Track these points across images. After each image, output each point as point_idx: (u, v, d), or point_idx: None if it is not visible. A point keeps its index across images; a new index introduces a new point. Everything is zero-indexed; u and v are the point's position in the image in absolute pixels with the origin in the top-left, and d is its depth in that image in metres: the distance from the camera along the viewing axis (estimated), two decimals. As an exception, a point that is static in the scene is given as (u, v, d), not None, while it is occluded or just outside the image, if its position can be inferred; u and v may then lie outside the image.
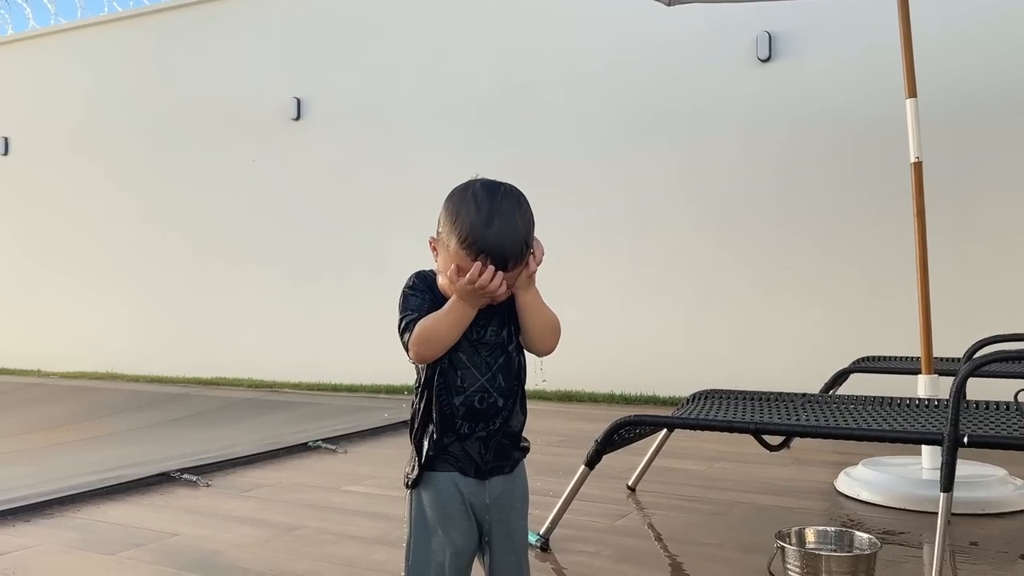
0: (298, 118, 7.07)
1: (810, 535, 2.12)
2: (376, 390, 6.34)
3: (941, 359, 3.50)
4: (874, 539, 2.05)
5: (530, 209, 1.48)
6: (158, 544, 2.65)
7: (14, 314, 8.51)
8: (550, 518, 2.58)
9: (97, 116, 8.10)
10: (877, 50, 4.97)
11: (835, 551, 2.06)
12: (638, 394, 5.61)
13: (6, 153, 8.68)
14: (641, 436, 2.94)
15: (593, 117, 5.98)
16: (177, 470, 3.54)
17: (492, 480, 1.53)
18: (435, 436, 1.51)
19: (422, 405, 1.53)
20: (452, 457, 1.51)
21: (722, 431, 2.64)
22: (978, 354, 3.37)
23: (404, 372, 1.60)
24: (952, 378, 2.39)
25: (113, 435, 4.97)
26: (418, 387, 1.55)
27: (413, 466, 1.54)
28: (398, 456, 3.72)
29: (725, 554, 2.50)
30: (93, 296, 8.01)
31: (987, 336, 3.65)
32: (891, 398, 2.94)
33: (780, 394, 3.07)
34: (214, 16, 7.56)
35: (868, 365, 3.97)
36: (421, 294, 1.52)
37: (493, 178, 1.50)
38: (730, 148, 5.56)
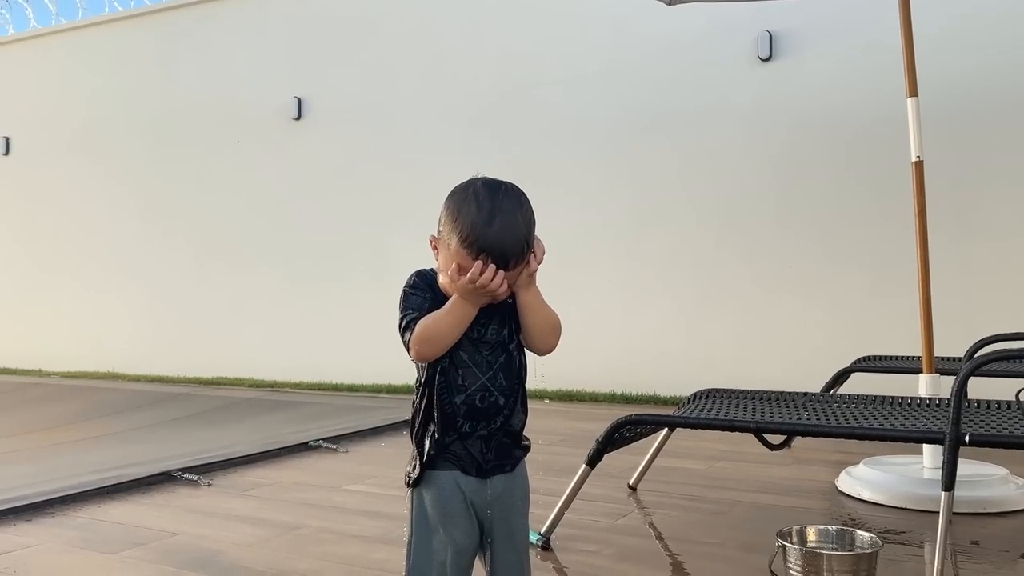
0: (299, 118, 7.07)
1: (811, 534, 2.12)
2: (377, 389, 6.34)
3: (942, 358, 3.50)
4: (875, 538, 2.05)
5: (531, 208, 1.48)
6: (159, 543, 2.65)
7: (15, 314, 8.51)
8: (551, 517, 2.58)
9: (98, 116, 8.10)
10: (878, 49, 4.97)
11: (836, 550, 2.06)
12: (639, 394, 5.61)
13: (7, 153, 8.68)
14: (642, 435, 2.94)
15: (593, 117, 5.98)
16: (178, 469, 3.55)
17: (493, 479, 1.53)
18: (436, 435, 1.51)
19: (423, 404, 1.53)
20: (453, 456, 1.51)
21: (723, 430, 2.64)
22: (979, 353, 3.37)
23: (405, 372, 1.60)
24: (953, 377, 2.39)
25: (114, 435, 4.97)
26: (419, 386, 1.55)
27: (414, 465, 1.54)
28: (399, 455, 3.73)
29: (726, 553, 2.50)
30: (94, 296, 8.01)
31: (988, 335, 3.65)
32: (892, 397, 2.94)
33: (781, 393, 3.07)
34: (215, 16, 7.56)
35: (869, 364, 3.96)
36: (422, 293, 1.51)
37: (494, 177, 1.50)
38: (731, 148, 5.56)
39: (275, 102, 7.14)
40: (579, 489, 2.64)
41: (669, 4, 4.17)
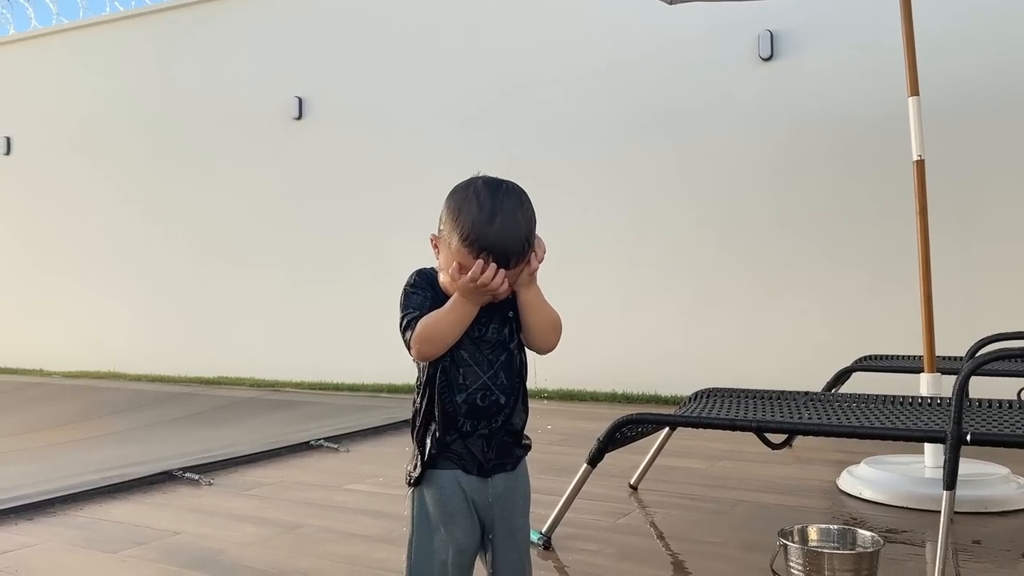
0: (300, 117, 7.07)
1: (813, 533, 2.12)
2: (378, 389, 6.34)
3: (943, 358, 3.50)
4: (877, 537, 2.04)
5: (532, 207, 1.48)
6: (160, 542, 2.65)
7: (16, 314, 8.52)
8: (552, 516, 2.58)
9: (99, 116, 8.11)
10: (879, 49, 4.97)
11: (838, 549, 2.06)
12: (639, 393, 5.61)
13: (8, 153, 8.69)
14: (643, 434, 2.94)
15: (594, 116, 5.98)
16: (179, 469, 3.55)
17: (495, 478, 1.52)
18: (437, 434, 1.51)
19: (424, 403, 1.53)
20: (455, 455, 1.51)
21: (724, 429, 2.64)
22: (980, 352, 3.36)
23: (406, 371, 1.60)
24: (954, 377, 2.38)
25: (115, 434, 4.97)
26: (420, 385, 1.55)
27: (415, 464, 1.53)
28: (400, 455, 3.73)
29: (727, 552, 2.50)
30: (95, 296, 8.01)
31: (989, 334, 3.65)
32: (893, 396, 2.94)
33: (782, 393, 3.07)
34: (216, 15, 7.56)
35: (870, 364, 3.96)
36: (422, 292, 1.51)
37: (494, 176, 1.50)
38: (731, 147, 5.56)
39: (276, 102, 7.15)
40: (580, 488, 2.64)
41: (670, 3, 4.17)
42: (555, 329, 1.55)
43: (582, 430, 4.43)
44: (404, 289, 1.53)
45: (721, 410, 2.81)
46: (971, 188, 4.90)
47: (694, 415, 2.78)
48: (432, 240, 1.53)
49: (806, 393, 3.10)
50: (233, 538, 2.69)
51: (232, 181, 7.39)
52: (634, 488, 3.23)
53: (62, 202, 8.30)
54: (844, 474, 3.23)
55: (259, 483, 3.46)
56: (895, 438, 2.41)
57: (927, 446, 3.11)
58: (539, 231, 1.49)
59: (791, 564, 2.00)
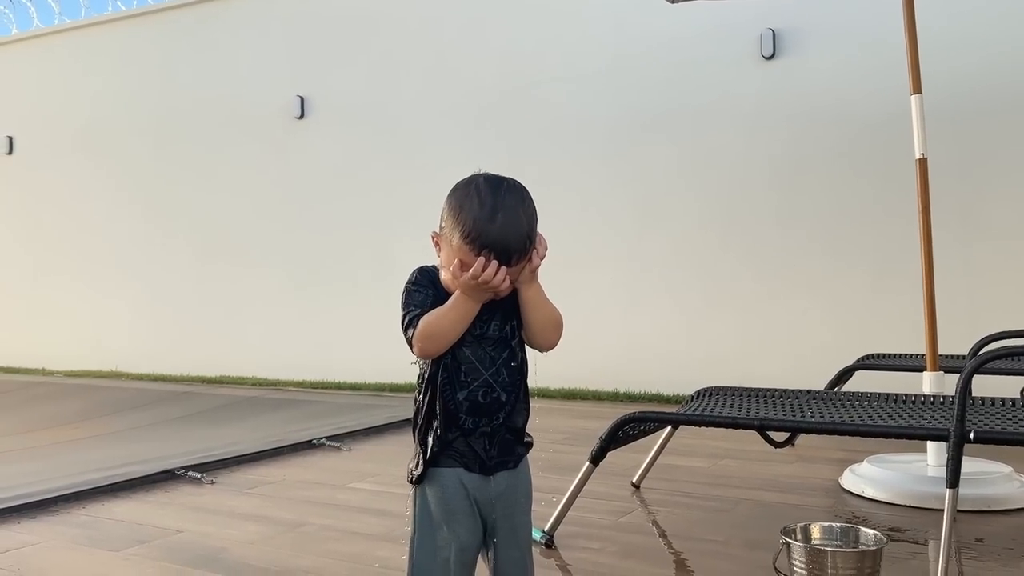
0: (301, 117, 7.07)
1: (816, 531, 2.11)
2: (380, 388, 6.35)
3: (946, 356, 3.49)
4: (880, 535, 2.04)
5: (533, 204, 1.48)
6: (163, 541, 2.65)
7: (18, 313, 8.53)
8: (555, 515, 2.58)
9: (101, 115, 8.11)
10: (881, 47, 4.96)
11: (841, 547, 2.06)
12: (641, 392, 5.61)
13: (10, 152, 8.70)
14: (645, 433, 2.94)
15: (595, 115, 5.97)
16: (181, 467, 3.55)
17: (497, 476, 1.52)
18: (439, 431, 1.50)
19: (426, 401, 1.53)
20: (456, 453, 1.51)
21: (727, 428, 2.64)
22: (983, 351, 3.36)
23: (408, 370, 1.60)
24: (957, 375, 2.38)
25: (117, 433, 4.97)
26: (421, 383, 1.54)
27: (417, 462, 1.53)
28: (402, 453, 3.73)
29: (730, 551, 2.49)
30: (97, 295, 8.02)
31: (992, 333, 3.65)
32: (896, 395, 2.93)
33: (784, 391, 3.07)
34: (217, 15, 7.57)
35: (872, 362, 3.95)
36: (424, 289, 1.51)
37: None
38: (733, 146, 5.55)
39: (278, 101, 7.15)
40: (583, 487, 2.64)
41: (671, 1, 4.16)
42: (556, 327, 1.55)
43: (584, 429, 4.43)
44: (406, 287, 1.53)
45: (723, 409, 2.80)
46: (973, 186, 4.90)
47: (696, 413, 2.78)
48: (433, 237, 1.52)
49: (808, 392, 3.09)
50: (235, 536, 2.69)
51: (234, 180, 7.40)
52: (636, 487, 3.22)
53: (64, 202, 8.31)
54: (847, 472, 3.23)
55: (261, 482, 3.47)
56: (898, 436, 2.41)
57: (930, 444, 3.10)
58: (540, 230, 1.49)
59: (794, 562, 2.00)
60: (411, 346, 1.49)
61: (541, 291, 1.53)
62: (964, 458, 2.21)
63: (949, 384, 2.86)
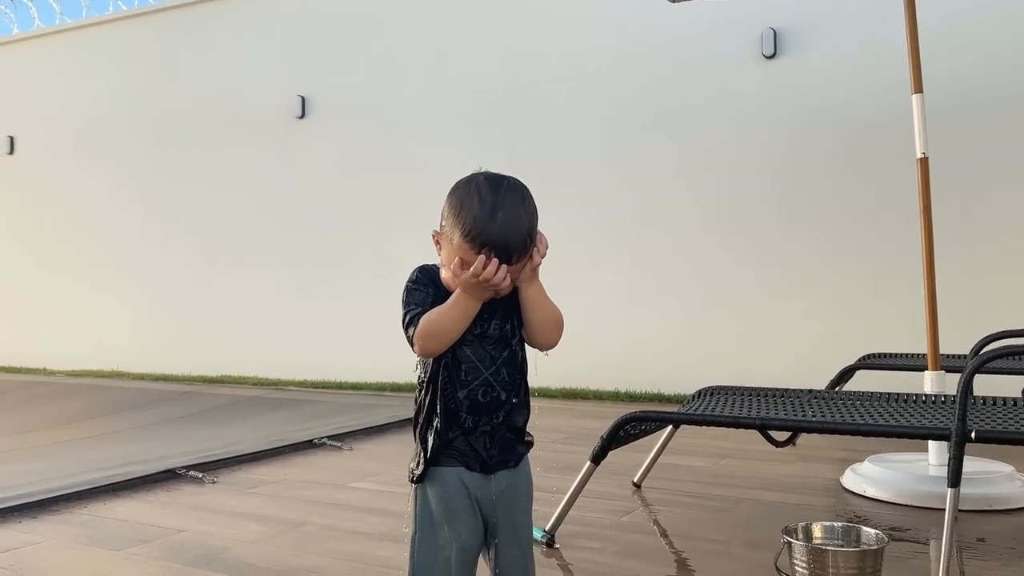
0: (303, 116, 7.07)
1: (817, 530, 2.11)
2: (381, 388, 6.35)
3: (947, 356, 3.49)
4: (882, 534, 2.04)
5: (533, 202, 1.48)
6: (164, 540, 2.65)
7: (20, 313, 8.53)
8: (556, 514, 2.58)
9: (102, 115, 8.12)
10: (882, 47, 4.96)
11: (842, 546, 2.05)
12: (642, 391, 5.61)
13: (12, 152, 8.70)
14: (647, 432, 2.94)
15: (596, 115, 5.97)
16: (183, 467, 3.55)
17: (497, 475, 1.52)
18: (440, 430, 1.50)
19: (426, 399, 1.53)
20: (457, 452, 1.51)
21: (728, 427, 2.63)
22: (984, 350, 3.35)
23: (408, 369, 1.59)
24: (958, 375, 2.38)
25: (118, 433, 4.98)
26: (422, 382, 1.54)
27: (418, 461, 1.53)
28: (403, 452, 3.72)
29: (731, 550, 2.49)
30: (98, 295, 8.03)
31: (993, 332, 3.64)
32: (897, 394, 2.93)
33: (786, 390, 3.07)
34: (218, 15, 7.57)
35: (874, 362, 3.95)
36: (424, 288, 1.51)
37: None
38: (734, 145, 5.55)
39: (279, 101, 7.15)
40: (584, 486, 2.64)
41: (672, 1, 4.16)
42: (557, 326, 1.55)
43: (585, 428, 4.43)
44: (406, 285, 1.53)
45: (725, 408, 2.80)
46: (975, 186, 4.89)
47: (698, 413, 2.78)
48: (434, 236, 1.52)
49: (810, 391, 3.09)
50: (237, 536, 2.69)
51: (235, 180, 7.40)
52: (637, 486, 3.22)
53: (65, 201, 8.31)
54: (848, 472, 3.23)
55: (262, 481, 3.47)
56: (899, 436, 2.40)
57: (931, 444, 3.10)
58: (541, 229, 1.49)
59: (795, 562, 2.00)
60: (412, 344, 1.49)
61: (542, 290, 1.52)
62: (965, 457, 2.21)
63: (950, 384, 2.86)
